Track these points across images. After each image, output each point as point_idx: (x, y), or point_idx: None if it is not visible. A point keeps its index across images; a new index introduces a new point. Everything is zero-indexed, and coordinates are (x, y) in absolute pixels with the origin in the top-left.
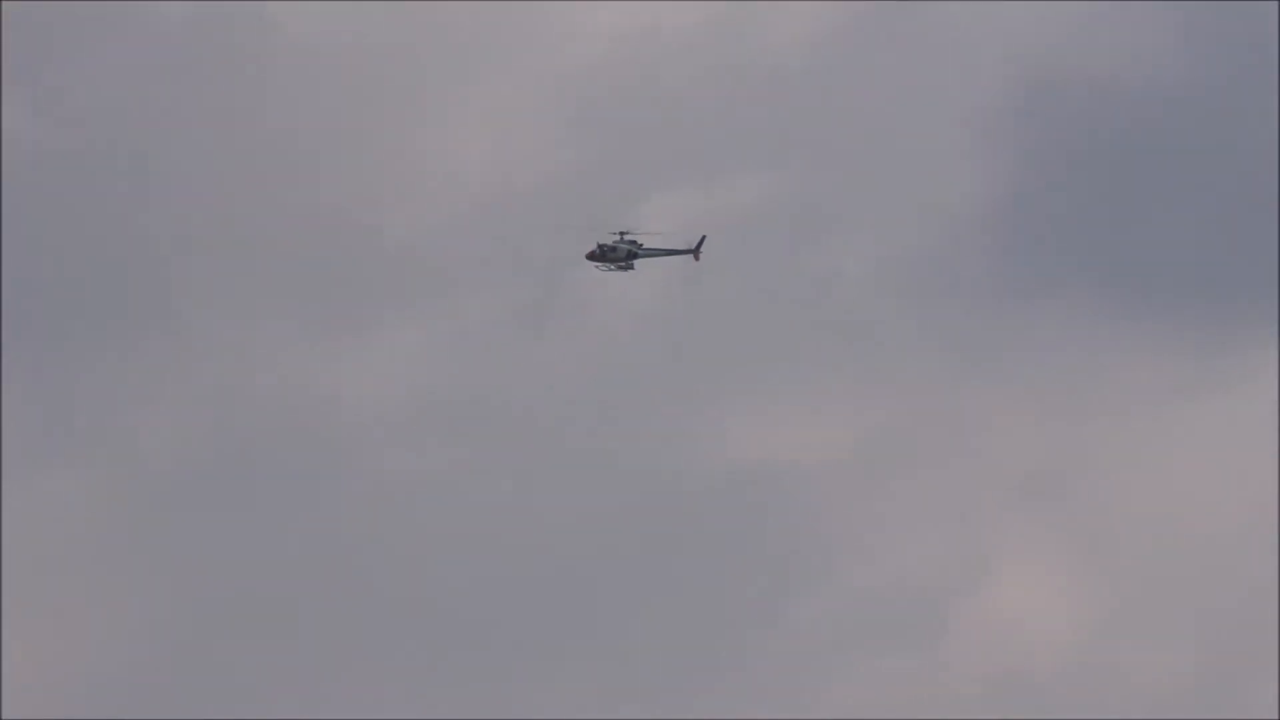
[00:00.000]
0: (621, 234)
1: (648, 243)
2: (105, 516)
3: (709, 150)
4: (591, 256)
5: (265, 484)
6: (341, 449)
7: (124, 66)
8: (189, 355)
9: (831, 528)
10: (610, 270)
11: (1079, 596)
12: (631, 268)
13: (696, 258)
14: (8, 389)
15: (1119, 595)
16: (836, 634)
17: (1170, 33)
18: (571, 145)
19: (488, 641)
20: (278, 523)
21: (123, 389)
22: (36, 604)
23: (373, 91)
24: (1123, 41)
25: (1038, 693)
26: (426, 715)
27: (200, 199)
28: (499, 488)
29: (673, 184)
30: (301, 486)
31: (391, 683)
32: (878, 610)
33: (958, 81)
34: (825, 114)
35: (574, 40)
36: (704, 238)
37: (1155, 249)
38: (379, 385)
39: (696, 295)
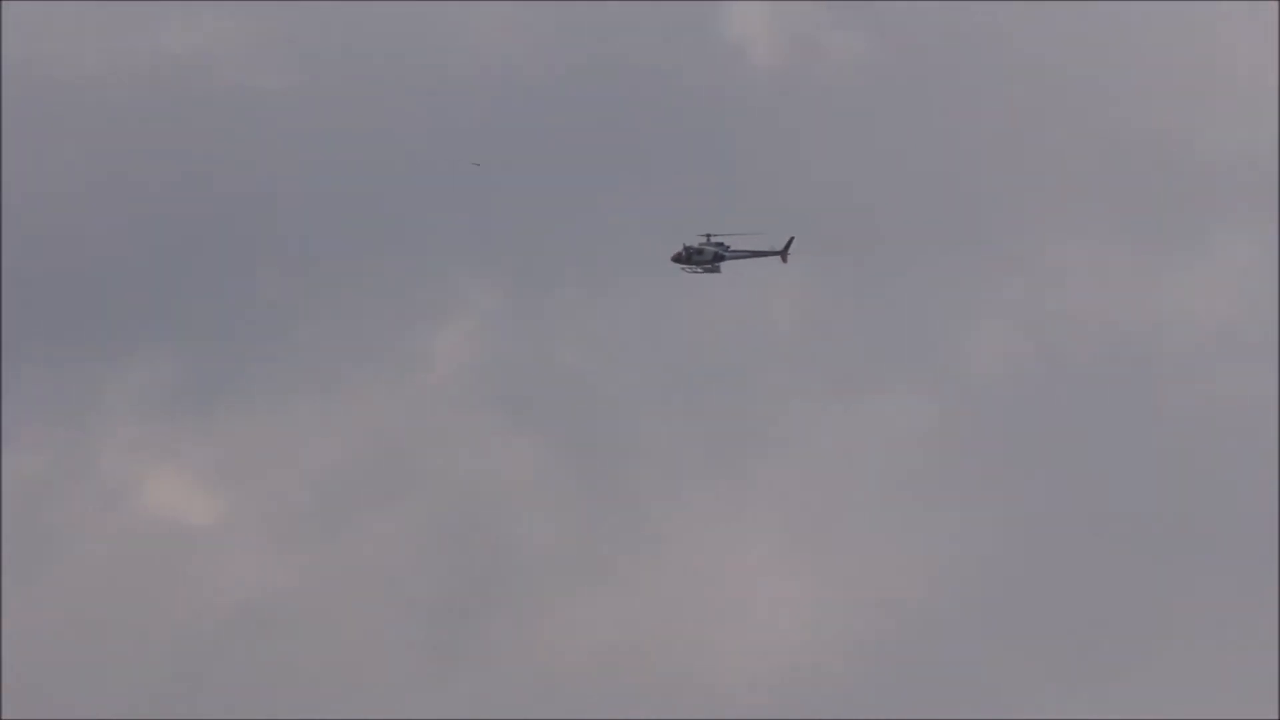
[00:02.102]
0: (708, 236)
1: (734, 244)
2: (937, 435)
3: None
4: (677, 259)
5: (1088, 402)
6: (1169, 369)
7: None
8: (1019, 276)
9: None
10: (696, 272)
11: None
12: (718, 270)
13: (784, 259)
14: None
15: None
16: None
17: None
18: None
19: None
20: (1108, 440)
21: (949, 311)
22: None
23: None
24: None
25: None
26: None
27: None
28: None
29: None
30: (1131, 404)
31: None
32: None
33: None
34: None
35: None
36: (791, 239)
37: None
38: (1208, 303)
39: None
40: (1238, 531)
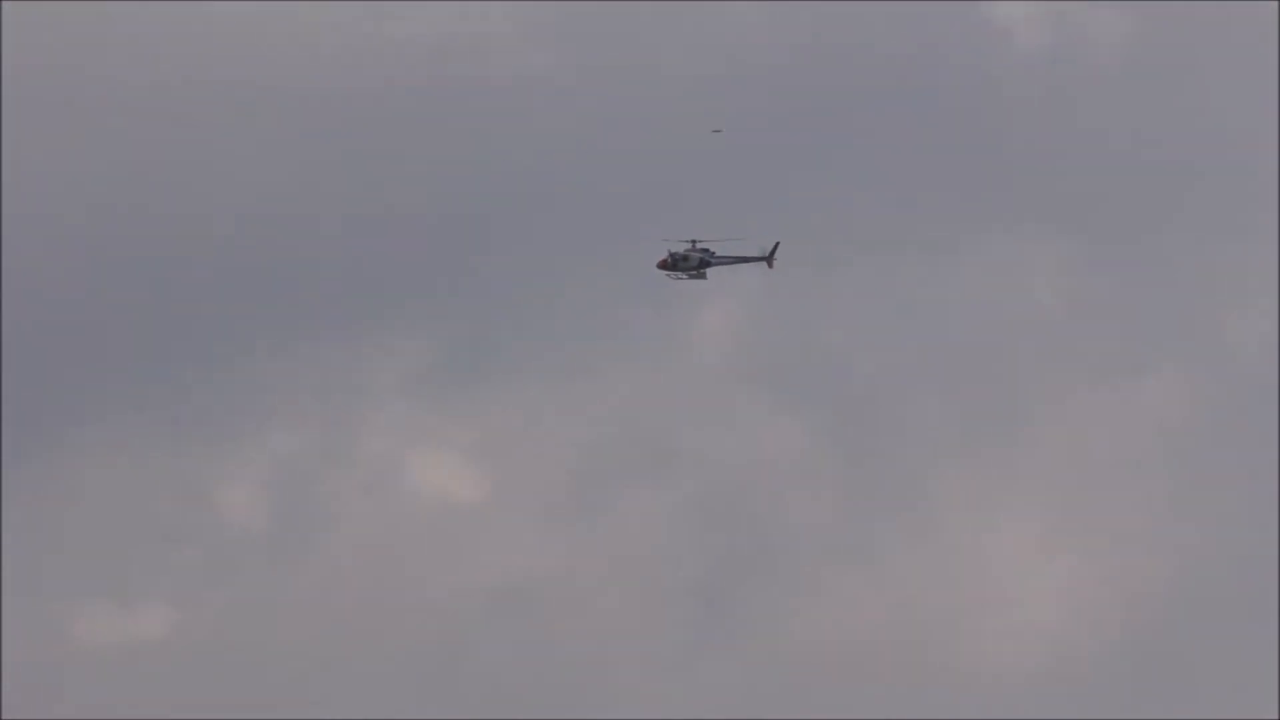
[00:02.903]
0: (693, 242)
1: (720, 250)
2: (1202, 421)
3: None
4: (663, 265)
5: None
6: None
7: None
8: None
9: None
10: (682, 279)
11: None
12: (704, 276)
13: (770, 265)
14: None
15: None
16: None
17: None
18: None
19: None
20: None
21: (1214, 294)
22: None
23: None
24: None
25: None
26: None
27: None
28: None
29: None
30: None
31: None
32: None
33: None
34: None
35: None
36: (778, 244)
37: None
38: None
39: None
40: None
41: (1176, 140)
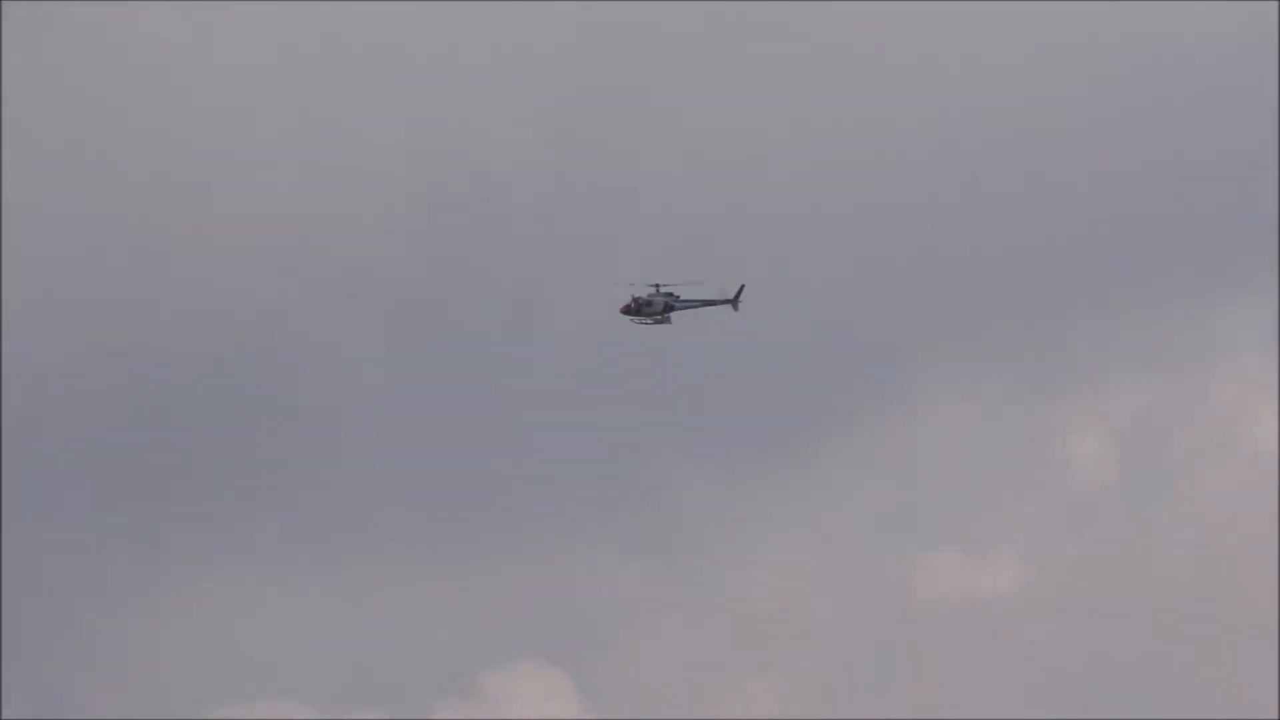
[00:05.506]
0: (657, 286)
1: (684, 294)
2: None
3: None
4: (626, 310)
5: None
6: None
7: None
8: None
9: None
10: (646, 324)
11: None
12: (668, 320)
13: (735, 308)
14: None
15: None
16: None
17: None
18: None
19: None
20: None
21: None
22: None
23: None
24: None
25: None
26: None
27: None
28: None
29: None
30: None
31: None
32: None
33: None
34: None
35: None
36: (743, 287)
37: None
38: None
39: None
40: None
41: None
